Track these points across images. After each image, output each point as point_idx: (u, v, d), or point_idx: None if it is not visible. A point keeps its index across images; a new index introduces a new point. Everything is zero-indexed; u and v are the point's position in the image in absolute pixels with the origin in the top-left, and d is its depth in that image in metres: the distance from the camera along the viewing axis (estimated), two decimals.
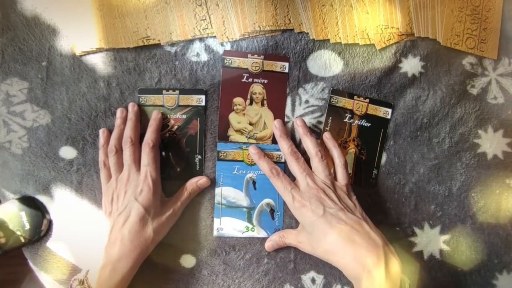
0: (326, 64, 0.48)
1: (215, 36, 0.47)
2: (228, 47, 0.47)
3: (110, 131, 0.47)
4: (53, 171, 0.47)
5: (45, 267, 0.48)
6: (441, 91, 0.50)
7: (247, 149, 0.49)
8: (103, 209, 0.46)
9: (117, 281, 0.41)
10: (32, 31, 0.46)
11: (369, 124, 0.50)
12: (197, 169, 0.49)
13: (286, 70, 0.48)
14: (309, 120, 0.49)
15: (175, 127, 0.48)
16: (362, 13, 0.47)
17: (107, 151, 0.46)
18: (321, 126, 0.49)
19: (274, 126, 0.48)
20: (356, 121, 0.50)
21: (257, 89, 0.48)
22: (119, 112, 0.47)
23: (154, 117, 0.47)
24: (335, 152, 0.47)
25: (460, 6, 0.49)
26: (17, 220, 0.46)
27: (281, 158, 0.49)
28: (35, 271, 0.49)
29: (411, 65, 0.49)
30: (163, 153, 0.48)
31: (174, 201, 0.46)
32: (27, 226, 0.46)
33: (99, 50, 0.46)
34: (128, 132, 0.45)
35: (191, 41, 0.47)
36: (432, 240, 0.52)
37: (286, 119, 0.49)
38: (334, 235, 0.41)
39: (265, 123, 0.49)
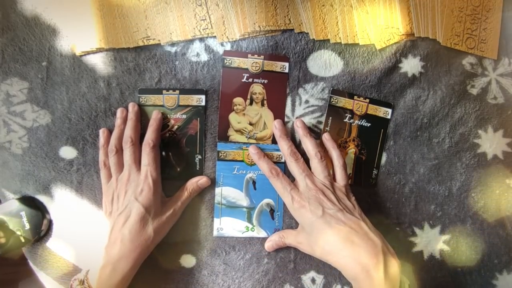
0: (326, 64, 0.48)
1: (215, 36, 0.47)
2: (228, 47, 0.47)
3: (110, 131, 0.47)
4: (53, 171, 0.47)
5: (45, 267, 0.48)
6: (441, 91, 0.50)
7: (247, 149, 0.49)
8: (103, 209, 0.46)
9: (117, 281, 0.41)
10: (32, 31, 0.46)
11: (369, 124, 0.50)
12: (197, 169, 0.49)
13: (286, 70, 0.48)
14: (309, 120, 0.49)
15: (175, 127, 0.48)
16: (362, 13, 0.47)
17: (107, 151, 0.46)
18: (321, 126, 0.49)
19: (274, 127, 0.48)
20: (356, 121, 0.50)
21: (257, 89, 0.48)
22: (119, 112, 0.47)
23: (155, 117, 0.47)
24: (334, 153, 0.47)
25: (460, 6, 0.49)
26: (17, 220, 0.46)
27: (281, 158, 0.49)
28: (35, 271, 0.49)
29: (411, 65, 0.49)
30: (163, 153, 0.48)
31: (175, 201, 0.46)
32: (27, 226, 0.46)
33: (99, 50, 0.46)
34: (128, 132, 0.45)
35: (191, 41, 0.47)
36: (432, 240, 0.52)
37: (286, 119, 0.49)
38: (332, 235, 0.41)
39: (265, 123, 0.49)
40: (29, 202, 0.47)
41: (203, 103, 0.48)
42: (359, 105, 0.49)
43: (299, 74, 0.49)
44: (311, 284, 0.50)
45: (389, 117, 0.50)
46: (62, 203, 0.48)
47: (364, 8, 0.48)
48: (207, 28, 0.47)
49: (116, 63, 0.47)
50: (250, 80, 0.48)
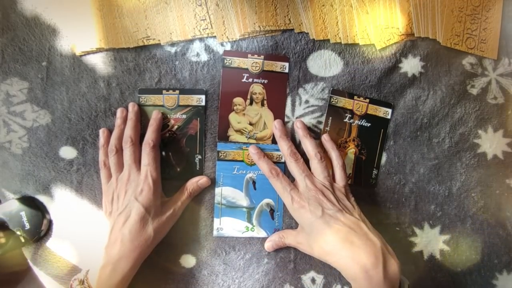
0: (326, 64, 0.48)
1: (215, 36, 0.47)
2: (228, 47, 0.47)
3: (110, 131, 0.47)
4: (53, 171, 0.47)
5: (45, 267, 0.48)
6: (441, 91, 0.50)
7: (247, 149, 0.49)
8: (103, 209, 0.46)
9: (117, 281, 0.41)
10: (32, 31, 0.46)
11: (369, 124, 0.50)
12: (197, 169, 0.49)
13: (286, 70, 0.48)
14: (309, 120, 0.49)
15: (175, 127, 0.48)
16: (362, 13, 0.47)
17: (107, 151, 0.46)
18: (321, 126, 0.49)
19: (274, 127, 0.48)
20: (356, 121, 0.50)
21: (257, 89, 0.48)
22: (119, 112, 0.47)
23: (155, 116, 0.47)
24: (333, 154, 0.47)
25: (460, 6, 0.49)
26: (17, 220, 0.46)
27: (281, 159, 0.49)
28: (35, 271, 0.49)
29: (411, 65, 0.49)
30: (163, 153, 0.48)
31: (175, 201, 0.46)
32: (27, 226, 0.46)
33: (99, 50, 0.46)
34: (128, 132, 0.45)
35: (191, 41, 0.47)
36: (432, 240, 0.52)
37: (286, 119, 0.49)
38: (332, 236, 0.41)
39: (265, 123, 0.49)
40: (29, 202, 0.47)
41: (203, 103, 0.48)
42: (359, 105, 0.49)
43: (299, 74, 0.49)
44: (311, 284, 0.50)
45: (389, 117, 0.50)
46: (62, 203, 0.48)
47: (364, 8, 0.48)
48: (207, 28, 0.47)
49: (116, 63, 0.47)
50: (250, 80, 0.48)
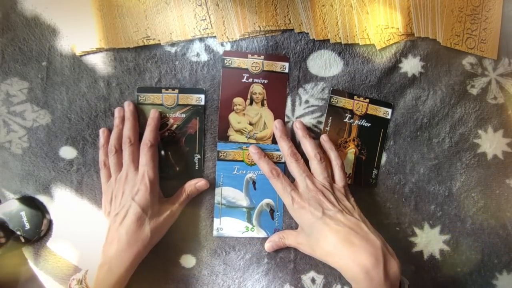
0: (326, 64, 0.48)
1: (215, 36, 0.47)
2: (228, 47, 0.47)
3: (110, 131, 0.47)
4: (53, 171, 0.47)
5: (45, 267, 0.48)
6: (441, 91, 0.50)
7: (247, 149, 0.49)
8: (103, 209, 0.46)
9: (114, 281, 0.40)
10: (32, 31, 0.46)
11: (369, 124, 0.50)
12: (196, 168, 0.49)
13: (286, 70, 0.48)
14: (309, 120, 0.49)
15: (175, 126, 0.48)
16: (362, 13, 0.47)
17: (107, 151, 0.46)
18: (321, 126, 0.49)
19: (275, 127, 0.48)
20: (356, 121, 0.50)
21: (257, 89, 0.48)
22: (117, 112, 0.47)
23: (152, 116, 0.47)
24: (332, 154, 0.47)
25: (460, 6, 0.49)
26: (17, 220, 0.46)
27: (281, 159, 0.49)
28: (35, 271, 0.49)
29: (411, 65, 0.49)
30: (162, 152, 0.48)
31: (172, 202, 0.46)
32: (27, 226, 0.46)
33: (99, 50, 0.46)
34: (127, 132, 0.45)
35: (191, 41, 0.47)
36: (432, 240, 0.52)
37: (286, 119, 0.49)
38: (332, 236, 0.41)
39: (265, 123, 0.49)
40: (29, 202, 0.47)
41: (203, 103, 0.48)
42: (359, 105, 0.49)
43: (299, 74, 0.49)
44: (311, 284, 0.50)
45: (389, 117, 0.50)
46: (62, 203, 0.48)
47: (364, 8, 0.48)
48: (207, 28, 0.47)
49: (116, 63, 0.47)
50: (250, 80, 0.48)
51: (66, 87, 0.47)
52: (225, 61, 0.48)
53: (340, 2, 0.47)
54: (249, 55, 0.48)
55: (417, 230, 0.51)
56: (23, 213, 0.46)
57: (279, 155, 0.49)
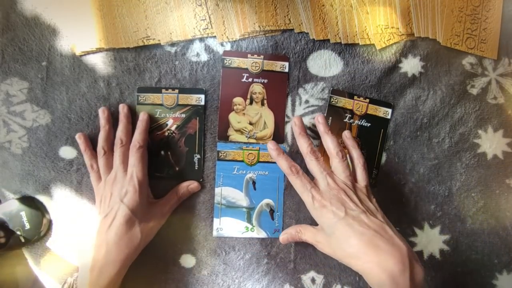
0: (326, 64, 0.48)
1: (215, 36, 0.47)
2: (228, 47, 0.47)
3: (88, 136, 0.47)
4: (53, 171, 0.47)
5: (45, 267, 0.48)
6: (441, 91, 0.50)
7: (247, 149, 0.49)
8: (97, 211, 0.46)
9: (105, 284, 0.40)
10: (32, 31, 0.46)
11: (369, 124, 0.50)
12: (196, 168, 0.49)
13: (286, 70, 0.48)
14: (309, 120, 0.49)
15: (174, 126, 0.48)
16: (362, 13, 0.47)
17: (90, 154, 0.46)
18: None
19: (294, 123, 0.46)
20: (356, 121, 0.50)
21: (257, 88, 0.48)
22: (101, 112, 0.46)
23: (141, 118, 0.46)
24: (355, 153, 0.45)
25: (460, 6, 0.49)
26: (17, 220, 0.46)
27: None
28: (35, 271, 0.49)
29: (411, 65, 0.49)
30: (162, 152, 0.48)
31: (163, 203, 0.46)
32: (27, 226, 0.46)
33: (99, 50, 0.46)
34: (119, 133, 0.45)
35: (191, 41, 0.47)
36: (432, 240, 0.52)
37: (286, 119, 0.49)
38: (356, 239, 0.39)
39: (265, 122, 0.49)
40: (29, 202, 0.47)
41: (202, 103, 0.48)
42: (359, 105, 0.49)
43: (299, 74, 0.49)
44: (311, 284, 0.50)
45: (389, 117, 0.50)
46: (62, 203, 0.48)
47: (364, 8, 0.48)
48: (207, 28, 0.47)
49: (116, 63, 0.47)
50: (250, 80, 0.48)
51: (66, 87, 0.47)
52: (225, 61, 0.48)
53: (340, 2, 0.47)
54: (249, 55, 0.48)
55: (417, 230, 0.51)
56: (23, 213, 0.46)
57: None
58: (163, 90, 0.48)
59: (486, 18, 0.50)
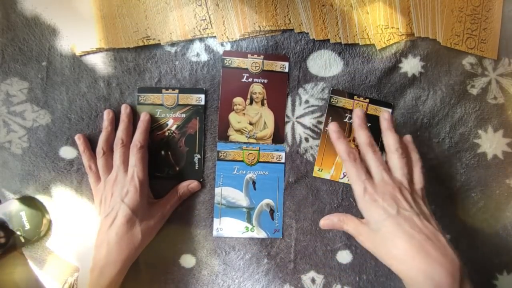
0: (326, 64, 0.48)
1: (215, 36, 0.47)
2: (228, 47, 0.47)
3: (88, 137, 0.47)
4: (53, 171, 0.47)
5: (45, 267, 0.48)
6: (441, 91, 0.50)
7: (247, 149, 0.49)
8: (97, 211, 0.46)
9: (106, 284, 0.40)
10: (32, 31, 0.46)
11: (369, 124, 0.50)
12: (196, 168, 0.49)
13: (286, 70, 0.48)
14: (309, 120, 0.49)
15: (175, 126, 0.48)
16: (362, 13, 0.47)
17: (89, 155, 0.46)
18: (321, 126, 0.49)
19: (356, 114, 0.43)
20: None
21: (257, 88, 0.48)
22: (105, 114, 0.46)
23: (142, 118, 0.46)
24: (415, 156, 0.43)
25: (460, 6, 0.49)
26: (17, 220, 0.46)
27: (281, 159, 0.49)
28: (35, 271, 0.49)
29: (411, 65, 0.49)
30: (162, 152, 0.48)
31: (163, 203, 0.46)
32: (27, 226, 0.46)
33: (99, 50, 0.46)
34: (120, 133, 0.45)
35: (191, 41, 0.47)
36: None
37: (286, 119, 0.49)
38: (404, 240, 0.36)
39: (265, 122, 0.49)
40: (29, 202, 0.47)
41: (203, 103, 0.48)
42: (359, 105, 0.49)
43: (299, 74, 0.49)
44: (311, 284, 0.50)
45: None
46: (62, 203, 0.48)
47: (364, 8, 0.48)
48: (207, 28, 0.47)
49: (116, 63, 0.47)
50: (250, 80, 0.48)
51: (66, 87, 0.47)
52: (225, 61, 0.48)
53: (340, 2, 0.47)
54: (249, 55, 0.48)
55: None
56: (23, 213, 0.46)
57: (279, 155, 0.49)
58: (163, 90, 0.48)
59: (486, 18, 0.50)
